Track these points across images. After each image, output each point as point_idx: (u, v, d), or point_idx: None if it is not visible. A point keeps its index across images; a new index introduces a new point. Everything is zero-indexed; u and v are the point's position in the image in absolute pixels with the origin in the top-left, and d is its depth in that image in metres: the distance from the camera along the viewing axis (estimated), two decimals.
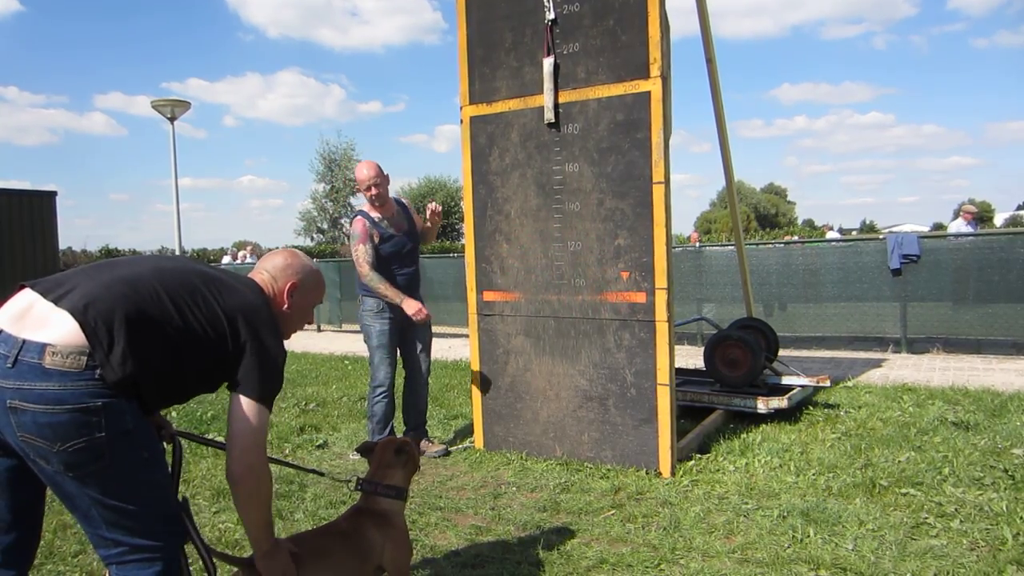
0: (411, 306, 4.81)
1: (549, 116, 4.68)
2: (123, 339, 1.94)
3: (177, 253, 17.08)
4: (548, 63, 4.66)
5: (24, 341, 1.89)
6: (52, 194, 19.76)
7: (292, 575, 2.27)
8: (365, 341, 5.10)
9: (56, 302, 1.96)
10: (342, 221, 47.84)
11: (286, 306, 2.40)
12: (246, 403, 2.14)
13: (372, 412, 5.04)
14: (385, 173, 4.96)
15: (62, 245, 22.07)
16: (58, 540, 3.79)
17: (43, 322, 1.93)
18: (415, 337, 5.13)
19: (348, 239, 4.93)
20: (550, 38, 4.70)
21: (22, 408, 1.86)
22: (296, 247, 29.06)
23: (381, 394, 4.99)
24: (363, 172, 4.97)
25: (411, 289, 5.03)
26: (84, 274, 2.09)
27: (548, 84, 4.68)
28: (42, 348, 1.88)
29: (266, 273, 2.41)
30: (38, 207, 19.19)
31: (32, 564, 2.23)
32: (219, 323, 2.13)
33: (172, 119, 16.73)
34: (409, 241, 5.09)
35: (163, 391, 2.10)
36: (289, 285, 2.39)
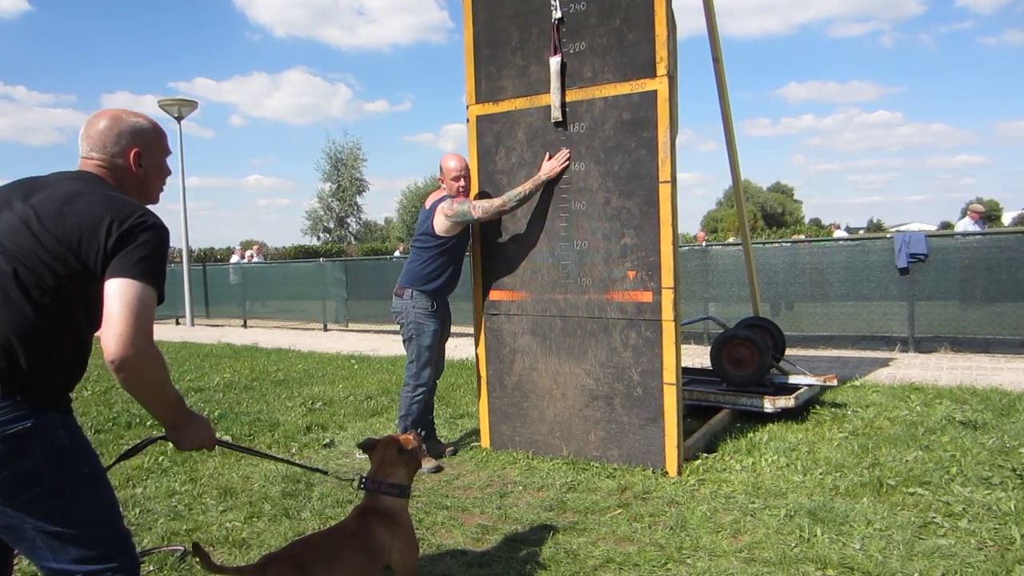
0: (551, 164, 4.72)
1: (556, 115, 4.68)
2: (23, 358, 1.85)
3: (184, 252, 17.13)
4: (555, 62, 4.66)
5: None
6: None
7: (212, 442, 2.13)
8: (411, 337, 4.90)
9: None
10: (348, 220, 47.95)
11: (139, 176, 2.16)
12: (120, 283, 1.87)
13: (409, 411, 4.90)
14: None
15: None
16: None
17: None
18: (444, 337, 5.12)
19: (453, 216, 4.72)
20: (557, 37, 4.69)
21: None
22: (302, 246, 29.19)
23: (422, 394, 4.91)
24: (452, 162, 4.87)
25: (454, 283, 5.04)
26: None
27: (555, 83, 4.67)
28: None
29: (96, 154, 2.11)
30: None
31: None
32: (72, 270, 1.90)
33: (179, 118, 16.78)
34: (468, 240, 5.12)
35: (77, 372, 2.01)
36: (133, 154, 2.13)
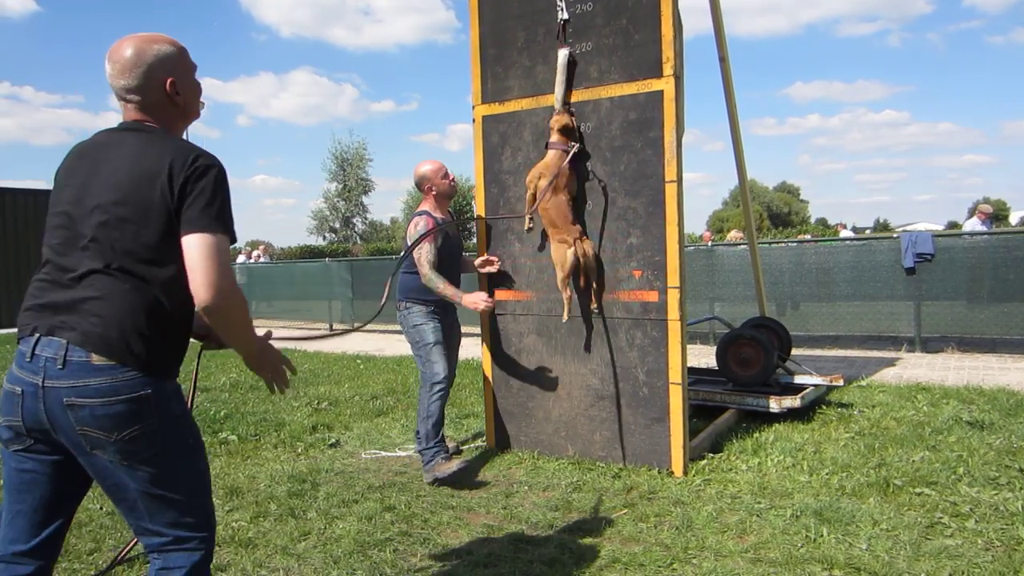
0: (473, 298, 4.69)
1: (558, 107, 4.66)
2: (140, 332, 2.02)
3: None
4: (563, 54, 4.65)
5: (68, 342, 1.96)
6: None
7: (281, 359, 2.29)
8: (416, 344, 4.79)
9: None
10: (354, 220, 48.01)
11: (180, 104, 2.21)
12: (193, 238, 1.99)
13: (428, 412, 4.61)
14: None
15: None
16: (73, 538, 3.81)
17: None
18: (453, 343, 5.06)
19: (408, 238, 4.71)
20: (564, 35, 4.69)
21: (80, 404, 1.94)
22: (308, 246, 29.20)
23: (440, 392, 4.65)
24: (428, 167, 4.87)
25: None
26: None
27: (560, 76, 4.65)
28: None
29: (133, 96, 2.16)
30: None
31: (59, 557, 2.27)
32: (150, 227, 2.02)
33: None
34: (460, 244, 5.09)
35: (185, 340, 2.18)
36: (169, 84, 2.16)
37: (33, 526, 2.08)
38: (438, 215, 4.85)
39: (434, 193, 4.87)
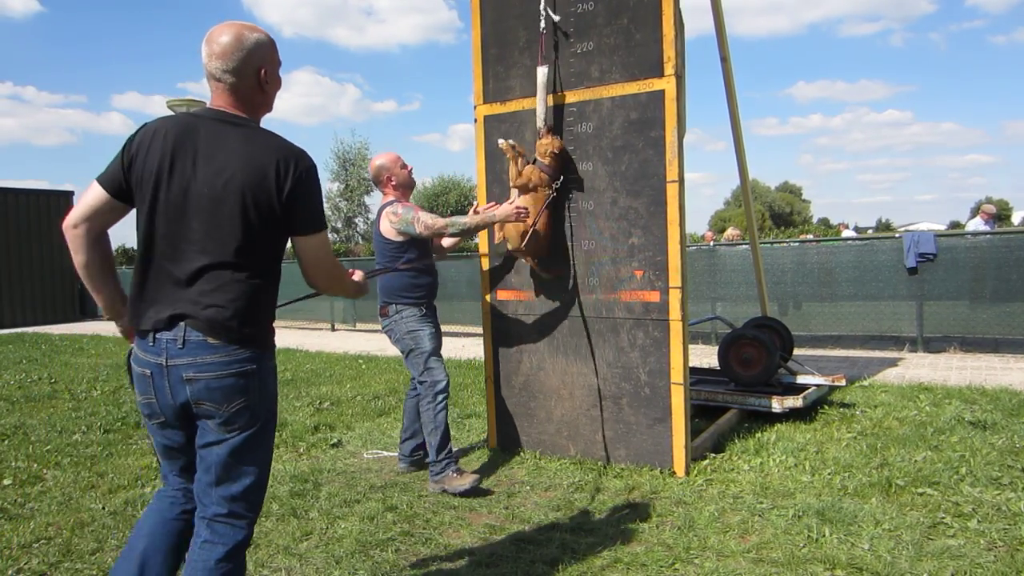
0: (505, 209, 4.50)
1: (539, 123, 4.61)
2: (248, 313, 2.26)
3: None
4: (542, 72, 4.57)
5: (186, 326, 2.20)
6: (69, 194, 19.97)
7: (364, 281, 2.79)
8: (410, 350, 4.52)
9: None
10: (356, 220, 48.01)
11: (266, 93, 2.39)
12: (305, 239, 2.34)
13: (436, 423, 4.41)
14: None
15: None
16: (76, 538, 3.82)
17: None
18: (438, 345, 4.76)
19: (398, 225, 4.42)
20: (542, 46, 4.64)
21: (196, 378, 2.19)
22: None
23: (444, 400, 4.46)
24: (383, 159, 4.68)
25: (436, 280, 4.74)
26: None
27: (541, 93, 4.58)
28: None
29: (229, 77, 2.29)
30: (55, 207, 19.40)
31: None
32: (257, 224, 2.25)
33: None
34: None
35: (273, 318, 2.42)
36: (261, 73, 2.33)
37: (187, 478, 2.39)
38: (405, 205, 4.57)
39: (394, 183, 4.63)
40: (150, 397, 2.27)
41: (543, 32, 4.65)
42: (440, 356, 4.58)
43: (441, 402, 4.46)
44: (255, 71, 2.30)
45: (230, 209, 2.20)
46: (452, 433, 5.65)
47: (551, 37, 4.71)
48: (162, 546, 2.36)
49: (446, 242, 5.00)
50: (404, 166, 4.69)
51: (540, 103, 4.59)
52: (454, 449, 5.12)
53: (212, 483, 2.25)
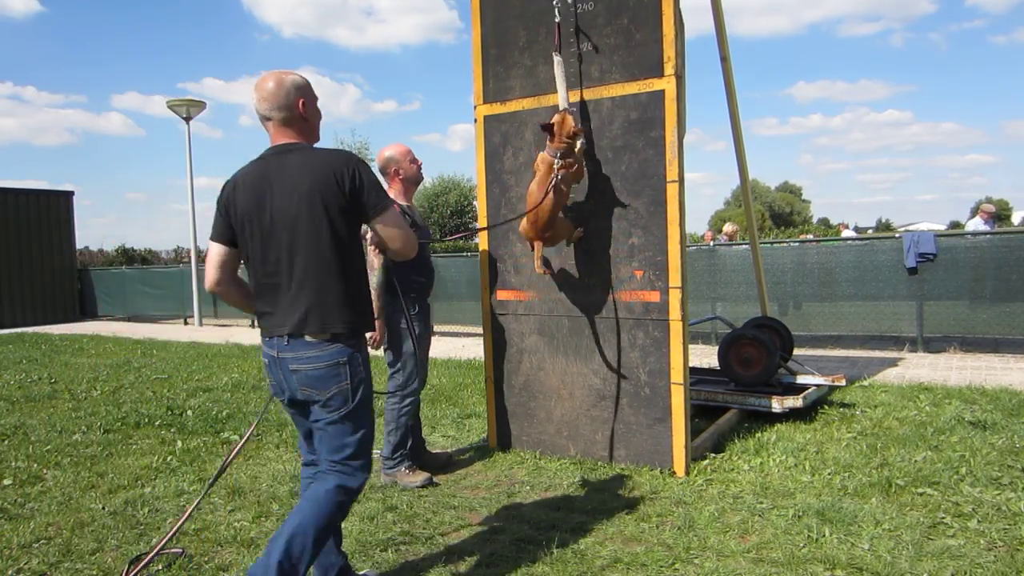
0: (375, 336, 4.32)
1: (562, 105, 4.50)
2: (341, 311, 2.73)
3: (192, 252, 17.19)
4: (557, 61, 4.56)
5: (290, 326, 2.71)
6: (69, 194, 19.95)
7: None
8: (390, 347, 4.54)
9: None
10: None
11: (308, 120, 2.87)
12: (378, 221, 2.78)
13: (399, 424, 4.50)
14: None
15: (79, 244, 22.28)
16: (76, 538, 3.82)
17: None
18: (426, 345, 4.77)
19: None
20: (559, 36, 4.64)
21: (298, 368, 2.71)
22: None
23: (410, 404, 4.53)
24: (397, 148, 4.61)
25: (431, 280, 4.73)
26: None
27: (560, 80, 4.53)
28: None
29: (276, 113, 2.79)
30: (55, 207, 19.39)
31: None
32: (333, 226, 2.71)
33: (188, 119, 16.82)
34: (428, 234, 4.87)
35: (370, 311, 2.91)
36: (301, 104, 2.82)
37: (311, 442, 2.91)
38: (403, 202, 4.57)
39: (401, 177, 4.59)
40: (273, 380, 2.85)
41: (558, 22, 4.62)
42: (418, 359, 4.55)
43: (407, 405, 4.51)
44: (295, 104, 2.80)
45: (308, 217, 2.67)
46: (452, 433, 5.67)
47: (568, 25, 4.68)
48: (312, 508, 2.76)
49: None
50: (414, 160, 4.65)
51: (560, 88, 4.53)
52: (451, 450, 5.15)
53: (324, 449, 2.80)
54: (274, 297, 2.75)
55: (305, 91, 2.85)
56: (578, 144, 4.41)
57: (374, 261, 4.25)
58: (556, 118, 4.36)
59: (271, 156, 2.79)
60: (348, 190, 2.68)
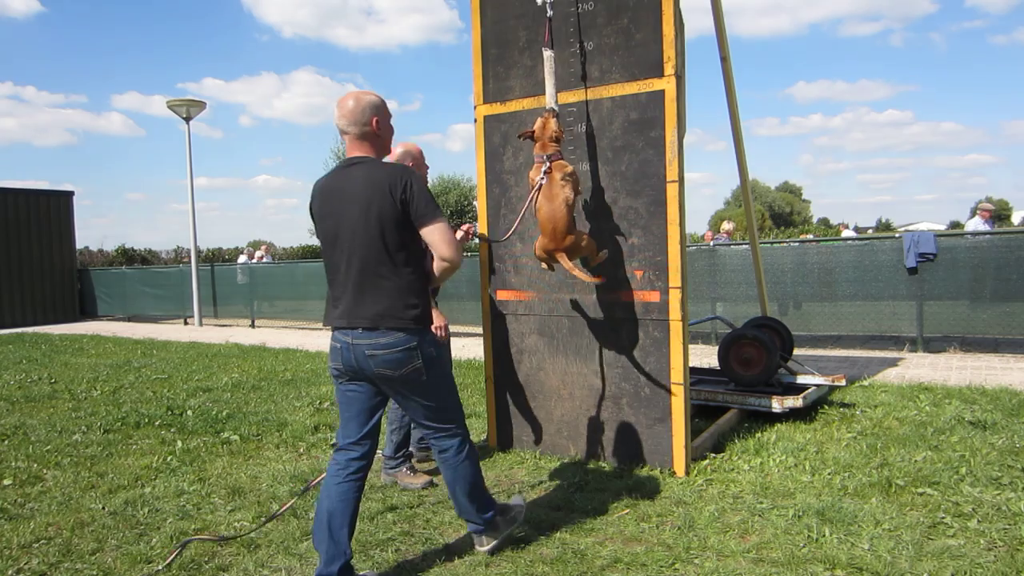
0: (439, 318, 4.40)
1: (548, 103, 4.47)
2: (407, 303, 3.13)
3: (192, 252, 17.20)
4: (548, 55, 4.48)
5: (364, 318, 3.11)
6: (69, 194, 19.96)
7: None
8: None
9: None
10: None
11: (381, 136, 3.25)
12: (427, 229, 3.10)
13: (403, 422, 4.57)
14: None
15: (79, 244, 22.28)
16: (76, 538, 3.82)
17: None
18: None
19: None
20: (549, 31, 4.55)
21: (374, 354, 3.09)
22: (310, 247, 29.18)
23: None
24: (410, 149, 4.62)
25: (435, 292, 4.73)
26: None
27: (549, 76, 4.47)
28: None
29: (353, 128, 3.19)
30: (55, 207, 19.40)
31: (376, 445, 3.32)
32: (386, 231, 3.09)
33: (187, 119, 16.83)
34: None
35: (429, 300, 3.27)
36: (375, 122, 3.20)
37: (358, 425, 3.24)
38: None
39: None
40: (338, 363, 3.19)
41: (549, 16, 4.58)
42: None
43: None
44: (369, 121, 3.19)
45: (365, 226, 3.07)
46: None
47: (568, 25, 4.65)
48: (340, 502, 3.15)
49: None
50: (421, 166, 4.67)
51: (549, 86, 4.47)
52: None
53: (418, 417, 3.29)
54: (344, 293, 3.16)
55: (380, 110, 3.23)
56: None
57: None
58: (537, 123, 4.34)
59: (341, 169, 3.22)
60: (400, 201, 3.04)
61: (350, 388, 3.23)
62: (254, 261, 18.74)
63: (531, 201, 4.29)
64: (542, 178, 4.23)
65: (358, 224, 3.08)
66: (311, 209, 3.28)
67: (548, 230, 4.24)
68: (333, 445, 5.44)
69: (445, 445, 3.34)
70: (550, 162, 4.26)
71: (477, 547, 3.45)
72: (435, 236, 3.11)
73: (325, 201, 3.19)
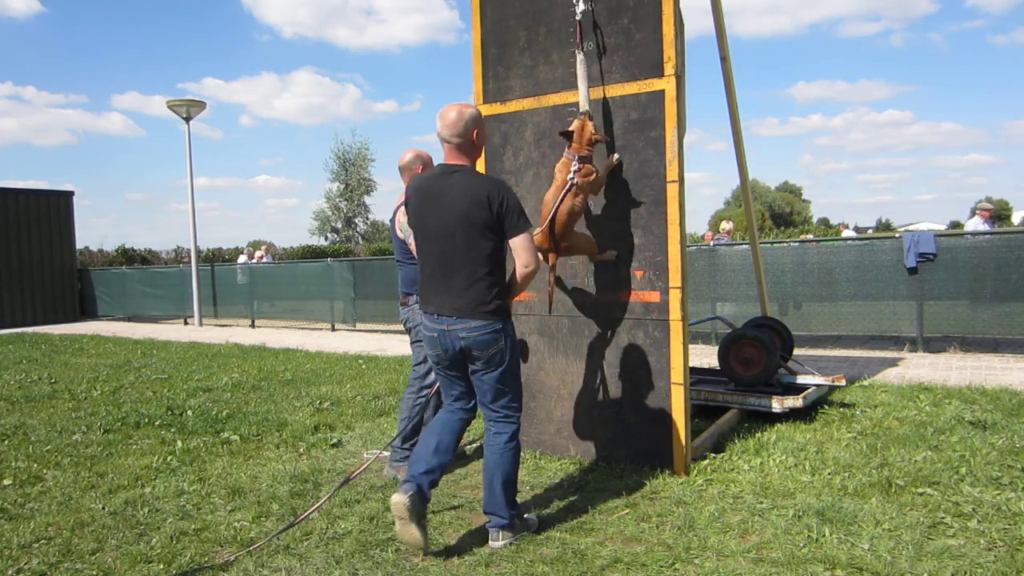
0: None
1: (584, 106, 4.49)
2: (492, 294, 3.50)
3: (192, 252, 17.20)
4: (579, 59, 4.52)
5: (456, 308, 3.50)
6: (69, 194, 19.97)
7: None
8: (418, 340, 4.71)
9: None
10: (356, 220, 47.98)
11: (477, 146, 3.59)
12: (516, 240, 3.46)
13: (412, 413, 4.72)
14: None
15: (79, 244, 22.28)
16: (76, 538, 3.82)
17: None
18: None
19: (397, 228, 4.69)
20: (580, 34, 4.58)
21: (466, 338, 3.48)
22: (310, 247, 29.20)
23: (425, 396, 4.72)
24: (419, 156, 4.76)
25: None
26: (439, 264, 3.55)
27: (582, 80, 4.51)
28: None
29: (455, 139, 3.49)
30: (56, 207, 19.41)
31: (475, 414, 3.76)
32: (478, 230, 3.44)
33: (187, 119, 16.84)
34: None
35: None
36: (475, 133, 3.53)
37: (462, 394, 3.71)
38: None
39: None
40: (437, 349, 3.58)
41: (579, 19, 4.56)
42: None
43: (423, 396, 4.73)
44: (470, 132, 3.51)
45: (462, 230, 3.41)
46: None
47: (589, 21, 4.63)
48: (447, 431, 3.67)
49: None
50: (425, 168, 4.71)
51: (582, 87, 4.47)
52: (459, 453, 5.13)
53: (489, 400, 3.59)
54: (437, 285, 3.54)
55: (479, 122, 3.56)
56: (613, 158, 4.49)
57: None
58: (575, 124, 4.35)
59: (440, 175, 3.53)
60: (496, 212, 3.40)
61: (449, 373, 3.67)
62: (254, 261, 18.75)
63: (560, 200, 4.32)
64: (572, 177, 4.30)
65: (455, 228, 3.42)
66: (407, 204, 3.67)
67: (546, 227, 4.33)
68: (333, 445, 5.47)
69: (500, 429, 3.61)
70: (580, 164, 4.30)
71: (491, 542, 3.55)
72: (521, 245, 3.47)
73: (424, 203, 3.54)
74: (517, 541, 3.55)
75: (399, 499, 3.38)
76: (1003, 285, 8.83)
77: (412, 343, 4.88)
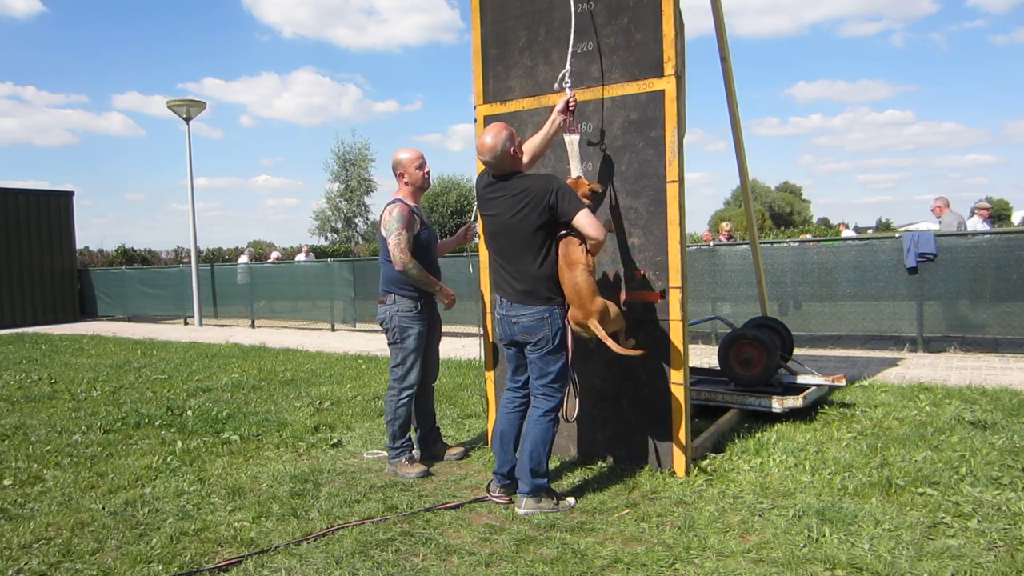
0: (447, 294, 4.88)
1: (574, 174, 4.47)
2: (544, 284, 3.96)
3: (192, 252, 17.20)
4: (572, 140, 4.50)
5: (512, 295, 4.01)
6: (69, 194, 19.98)
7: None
8: (396, 341, 4.79)
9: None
10: (356, 220, 47.98)
11: (518, 157, 4.03)
12: (576, 218, 3.83)
13: (396, 415, 4.78)
14: None
15: (79, 244, 22.29)
16: (76, 538, 3.82)
17: None
18: (434, 338, 5.05)
19: (381, 227, 4.76)
20: (574, 120, 4.50)
21: (518, 322, 3.97)
22: (311, 247, 29.20)
23: (408, 397, 4.79)
24: (405, 154, 4.84)
25: (436, 278, 4.95)
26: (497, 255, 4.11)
27: (574, 158, 4.50)
28: None
29: (494, 161, 3.96)
30: (56, 207, 19.41)
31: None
32: (533, 225, 3.90)
33: (188, 119, 16.84)
34: (435, 233, 5.10)
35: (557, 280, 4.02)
36: (512, 149, 3.96)
37: (519, 374, 4.19)
38: (411, 202, 4.80)
39: (406, 180, 4.82)
40: (499, 331, 4.13)
41: (569, 93, 4.43)
42: (420, 359, 4.84)
43: (405, 397, 4.80)
44: (507, 151, 3.95)
45: (520, 225, 3.89)
46: (452, 433, 5.66)
47: (567, 25, 4.62)
48: (508, 426, 4.19)
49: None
50: (421, 167, 4.84)
51: (574, 167, 4.44)
52: (461, 453, 5.13)
53: (536, 376, 4.02)
54: (499, 274, 4.08)
55: (513, 139, 3.98)
56: (595, 186, 4.44)
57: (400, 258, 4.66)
58: (569, 182, 4.23)
59: (501, 179, 4.01)
60: (549, 205, 3.81)
61: (508, 350, 4.16)
62: (254, 262, 18.74)
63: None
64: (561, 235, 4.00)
65: (513, 224, 3.90)
66: (477, 190, 4.22)
67: (572, 298, 3.98)
68: (334, 445, 5.47)
69: (538, 403, 4.02)
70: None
71: (516, 508, 3.97)
72: (583, 221, 3.81)
73: (488, 201, 4.04)
74: (546, 514, 3.91)
75: (516, 512, 3.96)
76: (1003, 285, 8.84)
77: (389, 344, 4.88)
